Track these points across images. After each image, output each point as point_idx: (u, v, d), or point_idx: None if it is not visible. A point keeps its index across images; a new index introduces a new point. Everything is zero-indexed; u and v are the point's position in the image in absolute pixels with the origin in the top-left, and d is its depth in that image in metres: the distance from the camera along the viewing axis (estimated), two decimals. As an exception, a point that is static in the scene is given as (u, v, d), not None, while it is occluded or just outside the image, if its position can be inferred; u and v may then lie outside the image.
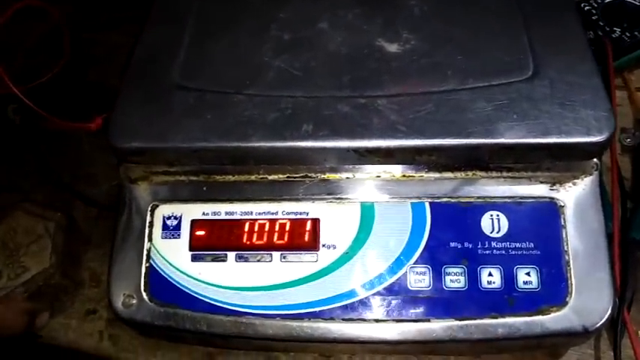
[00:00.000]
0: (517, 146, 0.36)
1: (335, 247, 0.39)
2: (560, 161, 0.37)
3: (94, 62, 0.70)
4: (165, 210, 0.41)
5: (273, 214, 0.40)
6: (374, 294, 0.37)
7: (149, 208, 0.41)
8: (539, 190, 0.38)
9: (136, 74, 0.44)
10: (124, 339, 0.45)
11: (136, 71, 0.44)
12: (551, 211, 0.37)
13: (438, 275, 0.37)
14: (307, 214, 0.40)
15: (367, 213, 0.39)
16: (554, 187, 0.38)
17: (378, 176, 0.40)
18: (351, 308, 0.37)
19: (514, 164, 0.38)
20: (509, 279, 0.36)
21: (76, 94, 0.66)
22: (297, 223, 0.39)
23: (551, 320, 0.35)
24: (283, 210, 0.40)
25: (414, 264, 0.37)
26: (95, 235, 0.53)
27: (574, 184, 0.38)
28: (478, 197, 0.38)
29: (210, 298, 0.39)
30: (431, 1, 0.44)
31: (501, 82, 0.38)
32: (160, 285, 0.40)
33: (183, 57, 0.44)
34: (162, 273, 0.40)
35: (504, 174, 0.38)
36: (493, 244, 0.37)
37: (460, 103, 0.38)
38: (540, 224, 0.37)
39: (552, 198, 0.38)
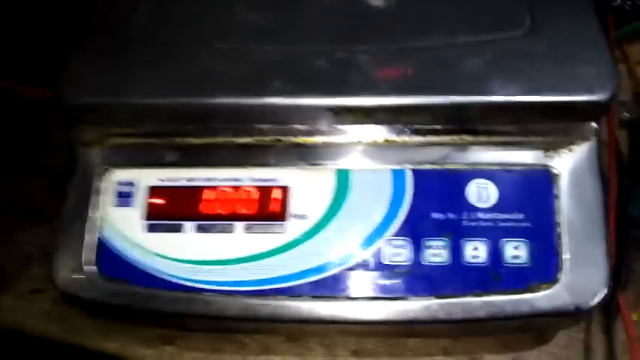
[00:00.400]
0: (509, 105, 0.32)
1: (305, 218, 0.35)
2: (556, 123, 0.33)
3: (62, 28, 0.65)
4: (118, 175, 0.37)
5: (237, 180, 0.36)
6: (347, 269, 0.34)
7: (102, 174, 0.37)
8: (531, 156, 0.34)
9: (91, 26, 0.39)
10: (73, 320, 0.41)
11: (90, 23, 0.39)
12: (544, 179, 0.34)
13: (417, 249, 0.33)
14: (276, 180, 0.36)
15: (342, 180, 0.35)
16: (549, 154, 0.34)
17: (357, 141, 0.36)
18: (321, 284, 0.33)
19: (505, 127, 0.34)
20: (495, 253, 0.33)
21: (44, 60, 0.61)
22: (264, 191, 0.35)
23: (541, 298, 0.32)
24: (250, 176, 0.36)
25: (391, 236, 0.34)
26: (50, 209, 0.48)
27: (570, 150, 0.34)
28: (465, 164, 0.35)
29: (166, 273, 0.35)
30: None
31: (494, 38, 0.35)
32: (110, 259, 0.36)
33: (144, 7, 0.39)
34: (113, 245, 0.36)
35: (494, 138, 0.35)
36: (479, 215, 0.34)
37: (448, 59, 0.34)
38: (532, 194, 0.34)
39: (546, 165, 0.34)
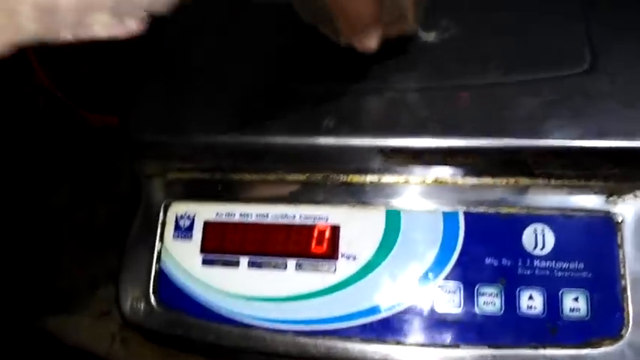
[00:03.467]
0: (568, 150, 0.31)
1: (355, 258, 0.35)
2: (620, 168, 0.31)
3: (133, 56, 0.69)
4: (178, 209, 0.39)
5: (290, 217, 0.37)
6: (397, 313, 0.33)
7: (162, 206, 0.39)
8: (593, 201, 0.33)
9: (156, 62, 0.42)
10: (135, 343, 0.43)
11: (156, 58, 0.42)
12: (606, 226, 0.32)
13: (470, 295, 0.33)
14: (326, 219, 0.36)
15: (393, 221, 0.35)
16: (611, 199, 0.32)
17: (407, 181, 0.35)
18: (370, 327, 0.33)
19: (564, 171, 0.33)
20: (553, 304, 0.31)
21: (113, 87, 0.65)
22: (315, 229, 0.36)
23: (603, 355, 0.30)
24: (301, 213, 0.37)
25: (443, 280, 0.33)
26: (118, 234, 0.51)
27: (635, 195, 0.32)
28: (520, 207, 0.33)
29: (220, 307, 0.36)
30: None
31: (552, 76, 0.33)
32: (169, 289, 0.37)
33: (204, 48, 0.41)
34: (172, 276, 0.38)
35: (552, 182, 0.33)
36: (536, 262, 0.32)
37: (503, 98, 0.33)
38: (593, 242, 0.32)
39: (608, 212, 0.32)
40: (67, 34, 0.23)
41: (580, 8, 0.36)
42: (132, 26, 0.24)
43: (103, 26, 0.24)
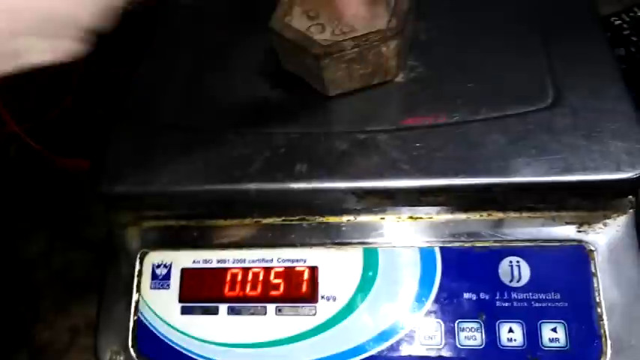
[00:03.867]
0: (537, 185, 0.32)
1: (335, 299, 0.35)
2: (587, 200, 0.32)
3: (103, 98, 0.69)
4: (154, 258, 0.38)
5: (267, 261, 0.37)
6: (379, 352, 0.33)
7: (138, 256, 0.39)
8: (564, 231, 0.33)
9: (126, 115, 0.41)
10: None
11: (125, 112, 0.42)
12: (579, 256, 0.33)
13: (450, 331, 0.33)
14: (305, 261, 0.36)
15: (370, 259, 0.35)
16: (582, 229, 0.33)
17: (382, 218, 0.36)
18: (354, 369, 0.33)
19: (534, 204, 0.33)
20: (532, 335, 0.32)
21: (85, 130, 0.65)
22: (294, 272, 0.36)
23: (584, 385, 0.30)
24: (279, 257, 0.37)
25: (424, 317, 0.33)
26: (95, 280, 0.50)
27: (605, 224, 0.33)
28: (495, 241, 0.34)
29: (200, 356, 0.36)
30: (443, 26, 0.41)
31: (517, 112, 0.34)
32: (148, 340, 0.37)
33: (174, 94, 0.41)
34: (151, 327, 0.37)
35: (524, 214, 0.34)
36: (513, 294, 0.33)
37: (471, 136, 0.34)
38: (567, 272, 0.33)
39: (580, 241, 0.33)
40: (4, 66, 0.21)
41: (540, 44, 0.38)
42: (70, 48, 0.23)
43: (39, 52, 0.22)
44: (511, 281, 0.33)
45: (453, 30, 0.41)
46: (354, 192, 0.34)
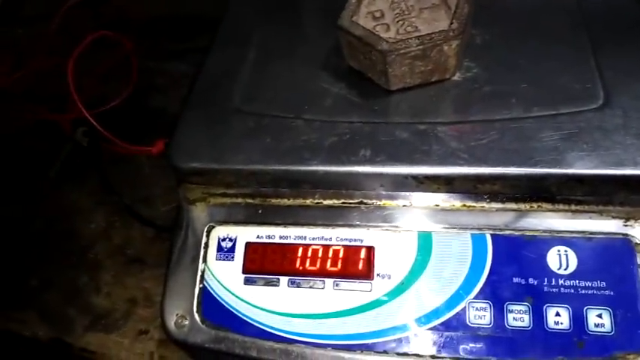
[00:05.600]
0: (588, 178, 0.34)
1: (390, 277, 0.37)
2: (635, 195, 0.34)
3: (157, 90, 0.73)
4: (220, 231, 0.42)
5: (327, 239, 0.39)
6: (430, 328, 0.36)
7: (205, 229, 0.42)
8: (611, 225, 0.36)
9: (198, 98, 0.45)
10: (175, 361, 0.45)
11: (198, 96, 0.45)
12: (625, 248, 0.35)
13: (499, 312, 0.35)
14: (362, 241, 0.39)
15: (424, 243, 0.38)
16: (628, 223, 0.35)
17: (437, 205, 0.38)
18: (405, 342, 0.36)
19: (583, 197, 0.35)
20: (578, 320, 0.34)
21: (140, 119, 0.69)
22: (351, 251, 0.38)
23: (627, 368, 0.32)
24: (337, 236, 0.39)
25: (473, 299, 0.36)
26: (151, 256, 0.54)
27: (651, 220, 0.35)
28: (544, 231, 0.36)
29: (261, 323, 0.38)
30: (497, 31, 0.44)
31: (570, 111, 0.37)
32: (212, 307, 0.40)
33: (244, 82, 0.45)
34: (215, 295, 0.40)
35: (572, 207, 0.36)
36: (560, 281, 0.35)
37: (525, 131, 0.36)
38: (613, 262, 0.35)
39: (626, 234, 0.35)
40: None
41: (589, 47, 0.40)
42: None
43: None
44: (559, 269, 0.35)
45: (506, 35, 0.44)
46: (415, 177, 0.36)
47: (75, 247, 0.55)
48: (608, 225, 0.36)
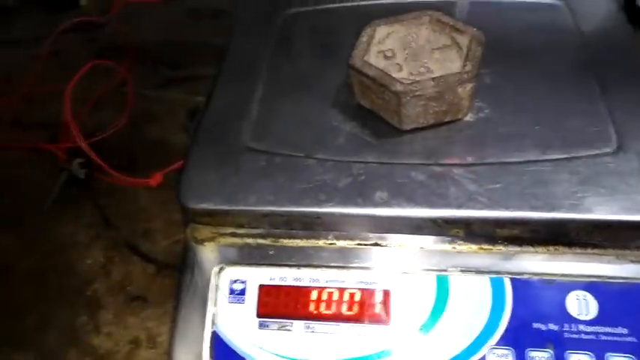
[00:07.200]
0: (606, 223, 0.34)
1: (407, 322, 0.37)
2: (655, 240, 0.35)
3: (153, 119, 0.72)
4: (231, 273, 0.40)
5: (341, 282, 0.39)
6: (451, 376, 0.35)
7: (215, 271, 0.41)
8: (629, 270, 0.36)
9: (206, 135, 0.44)
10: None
11: (205, 132, 0.44)
12: (644, 293, 0.35)
13: (521, 358, 0.34)
14: (377, 284, 0.38)
15: (442, 286, 0.37)
16: (647, 267, 0.35)
17: (454, 247, 0.38)
18: (426, 391, 0.35)
19: (601, 241, 0.36)
20: (601, 367, 0.34)
21: (136, 149, 0.68)
22: (367, 294, 0.38)
23: (652, 417, 0.32)
24: (352, 278, 0.39)
25: (495, 345, 0.35)
26: (153, 294, 0.52)
27: (669, 264, 0.35)
28: (562, 275, 0.36)
29: (276, 370, 0.37)
30: (505, 71, 0.44)
31: (585, 154, 0.37)
32: (224, 353, 0.39)
33: (254, 119, 0.44)
34: (227, 340, 0.39)
35: (589, 250, 0.36)
36: (581, 327, 0.35)
37: (542, 174, 0.36)
38: (635, 308, 0.34)
39: (645, 279, 0.35)
40: None
41: (599, 90, 0.41)
42: None
43: None
44: (579, 314, 0.35)
45: (513, 74, 0.44)
46: (434, 220, 0.36)
47: (73, 283, 0.54)
48: (625, 269, 0.36)
